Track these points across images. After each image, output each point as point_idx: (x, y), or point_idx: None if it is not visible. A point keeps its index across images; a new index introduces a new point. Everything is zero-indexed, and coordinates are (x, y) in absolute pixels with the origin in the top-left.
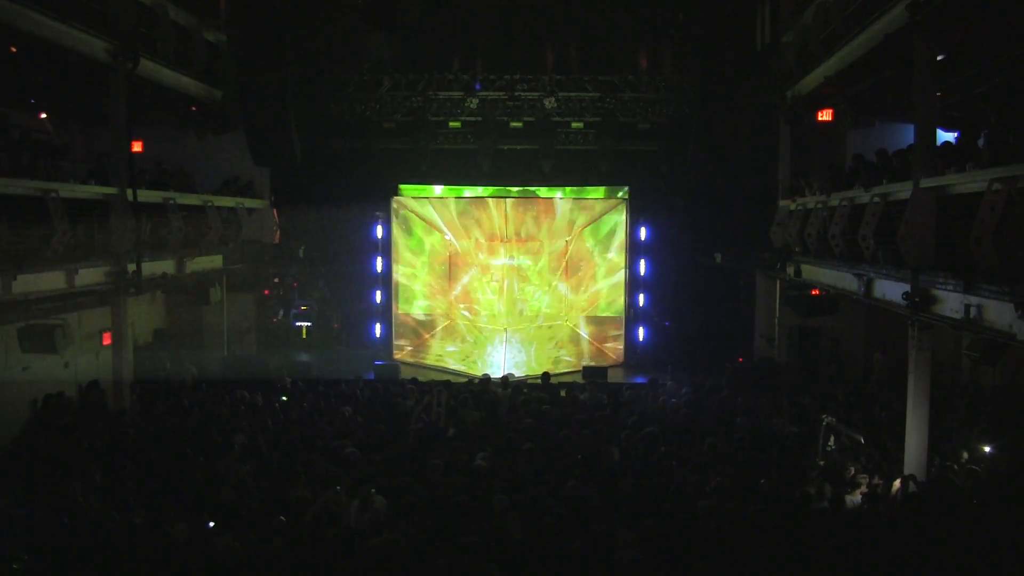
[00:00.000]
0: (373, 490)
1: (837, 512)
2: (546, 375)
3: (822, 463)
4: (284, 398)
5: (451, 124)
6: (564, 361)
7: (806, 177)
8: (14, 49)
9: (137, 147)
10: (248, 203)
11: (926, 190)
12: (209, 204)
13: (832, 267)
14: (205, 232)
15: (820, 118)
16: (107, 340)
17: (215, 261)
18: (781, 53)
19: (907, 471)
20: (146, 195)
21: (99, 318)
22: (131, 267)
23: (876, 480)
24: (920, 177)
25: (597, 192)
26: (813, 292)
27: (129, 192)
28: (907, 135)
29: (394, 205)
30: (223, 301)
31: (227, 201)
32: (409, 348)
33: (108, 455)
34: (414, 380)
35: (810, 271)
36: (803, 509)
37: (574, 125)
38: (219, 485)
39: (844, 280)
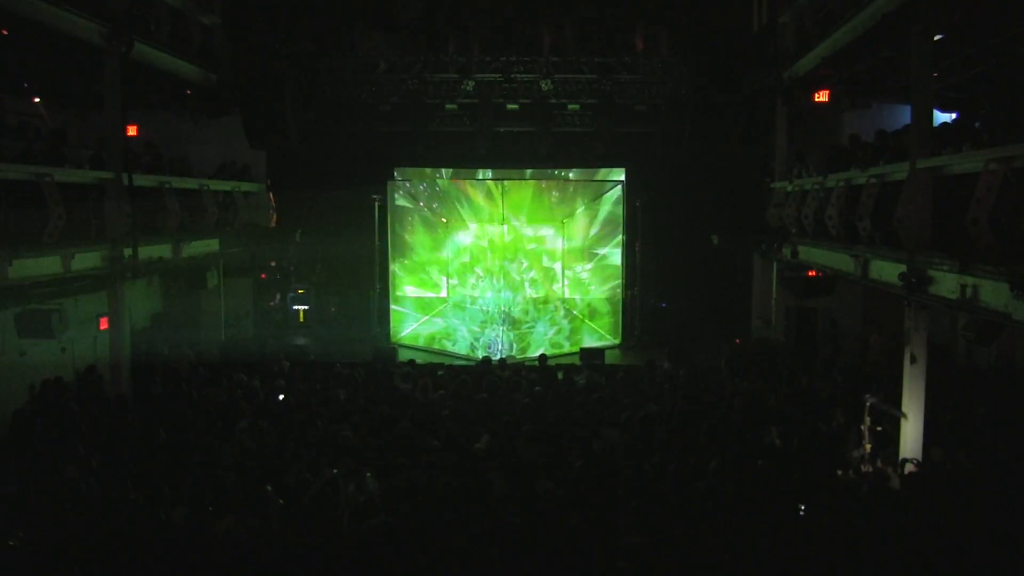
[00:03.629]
0: (369, 473)
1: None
2: (543, 357)
3: (869, 446)
4: (281, 396)
5: (447, 107)
6: (561, 343)
7: (802, 158)
8: (6, 32)
9: (132, 131)
10: (244, 187)
11: (923, 171)
12: (205, 188)
13: (829, 248)
14: (201, 216)
15: (817, 99)
16: (104, 325)
17: (211, 245)
18: (777, 34)
19: (904, 453)
20: (142, 179)
21: (96, 303)
22: (127, 251)
23: (878, 463)
24: (917, 158)
25: (594, 174)
26: (810, 273)
27: (125, 176)
28: (904, 116)
29: (391, 187)
30: (220, 285)
31: (223, 185)
32: (406, 330)
33: (106, 439)
34: (411, 362)
35: (807, 252)
36: (803, 491)
37: (571, 107)
38: (217, 469)
39: (841, 261)
